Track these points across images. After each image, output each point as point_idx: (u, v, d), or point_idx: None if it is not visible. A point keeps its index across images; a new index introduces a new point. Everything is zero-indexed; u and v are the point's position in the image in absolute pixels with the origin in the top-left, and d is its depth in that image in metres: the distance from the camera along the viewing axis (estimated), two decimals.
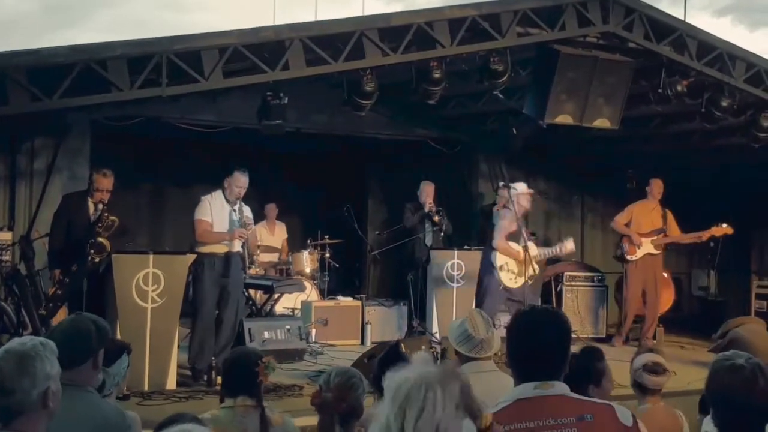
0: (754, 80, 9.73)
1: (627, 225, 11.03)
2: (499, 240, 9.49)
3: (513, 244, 9.52)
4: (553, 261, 12.69)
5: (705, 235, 10.87)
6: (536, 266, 9.53)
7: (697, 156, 12.35)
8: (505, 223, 9.51)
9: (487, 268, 9.53)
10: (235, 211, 8.45)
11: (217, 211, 8.40)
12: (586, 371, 4.20)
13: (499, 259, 9.46)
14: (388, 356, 4.33)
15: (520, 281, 9.51)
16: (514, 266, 9.52)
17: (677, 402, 6.31)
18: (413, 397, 2.59)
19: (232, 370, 4.25)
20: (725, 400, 3.06)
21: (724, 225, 10.76)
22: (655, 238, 10.87)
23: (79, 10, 31.82)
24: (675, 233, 11.02)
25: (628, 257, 10.97)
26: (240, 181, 8.43)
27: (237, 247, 8.46)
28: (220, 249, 8.36)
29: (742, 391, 3.02)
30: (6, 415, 2.74)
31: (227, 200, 8.45)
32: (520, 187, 9.78)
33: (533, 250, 9.59)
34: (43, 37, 29.47)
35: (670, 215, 11.05)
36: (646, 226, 10.96)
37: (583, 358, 4.23)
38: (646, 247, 10.88)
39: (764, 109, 9.95)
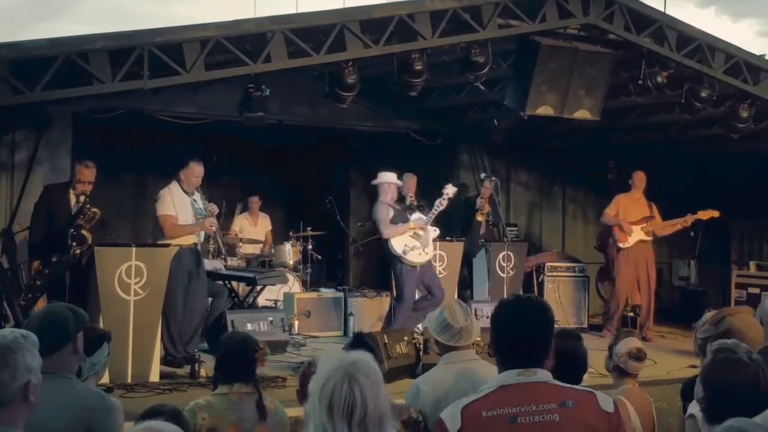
0: (733, 71, 9.80)
1: (615, 216, 11.09)
2: (385, 230, 9.42)
3: (400, 225, 9.46)
4: (535, 251, 12.78)
5: (690, 219, 10.96)
6: (434, 230, 9.63)
7: (677, 147, 12.42)
8: (382, 213, 9.46)
9: (394, 261, 9.49)
10: (195, 201, 8.47)
11: (179, 204, 8.40)
12: (582, 357, 4.27)
13: (397, 245, 9.38)
14: (355, 346, 4.36)
15: (429, 252, 9.51)
16: (414, 242, 9.42)
17: (658, 390, 6.39)
18: (337, 393, 2.58)
19: (229, 357, 4.24)
20: (725, 394, 3.06)
21: (710, 209, 10.86)
22: (645, 224, 10.95)
23: (61, 1, 31.63)
24: (660, 222, 11.09)
25: (621, 245, 10.98)
26: (196, 171, 8.45)
27: (202, 237, 8.59)
28: (188, 240, 8.38)
29: (745, 388, 3.05)
30: None
31: (185, 191, 8.45)
32: (386, 177, 9.65)
33: (422, 218, 9.59)
34: (24, 28, 29.27)
35: (654, 207, 11.14)
36: (635, 215, 11.03)
37: (571, 342, 4.26)
38: (637, 234, 10.94)
39: (743, 99, 10.03)
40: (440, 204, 9.63)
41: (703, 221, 11.10)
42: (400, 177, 9.83)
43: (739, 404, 3.03)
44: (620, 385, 4.66)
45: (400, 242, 9.34)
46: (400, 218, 9.47)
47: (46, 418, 3.15)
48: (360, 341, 4.54)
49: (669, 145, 12.39)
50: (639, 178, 11.11)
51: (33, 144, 10.13)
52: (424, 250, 9.42)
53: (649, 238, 11.06)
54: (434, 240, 9.76)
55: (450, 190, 9.60)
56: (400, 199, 11.15)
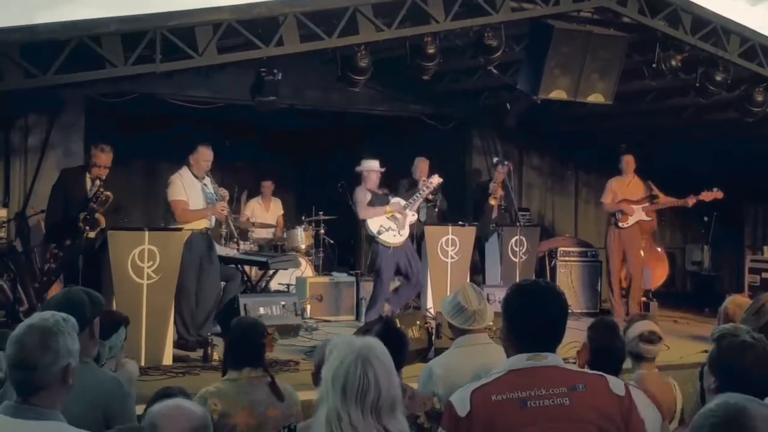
0: (748, 55, 9.73)
1: (613, 200, 11.15)
2: (361, 212, 9.71)
3: (376, 207, 9.71)
4: (547, 236, 12.75)
5: (692, 200, 10.93)
6: (412, 215, 9.89)
7: (691, 131, 12.35)
8: (360, 197, 9.72)
9: (371, 241, 9.76)
10: (206, 185, 8.48)
11: (190, 189, 8.41)
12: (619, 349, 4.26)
13: (373, 225, 9.62)
14: (386, 332, 4.30)
15: (404, 234, 9.75)
16: (389, 223, 9.69)
17: (671, 376, 6.38)
18: (351, 377, 2.58)
19: (238, 343, 4.25)
20: (739, 379, 3.00)
21: (715, 189, 10.78)
22: (648, 204, 10.96)
23: None
24: (663, 198, 11.10)
25: (620, 224, 11.04)
26: (206, 155, 8.46)
27: (213, 222, 8.66)
28: (199, 225, 8.39)
29: (757, 369, 3.01)
30: (26, 389, 2.75)
31: (195, 176, 8.46)
32: (367, 165, 9.87)
33: (400, 202, 9.86)
34: (39, 12, 29.27)
35: (651, 184, 11.11)
36: (635, 195, 11.09)
37: (607, 334, 4.26)
38: (638, 214, 11.00)
39: (758, 83, 9.96)
40: (422, 192, 10.05)
41: (716, 204, 11.04)
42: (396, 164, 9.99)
43: (754, 386, 3.01)
44: (636, 370, 4.58)
45: (375, 223, 9.66)
46: (378, 203, 9.73)
47: (66, 403, 3.16)
48: (391, 327, 4.47)
49: (683, 129, 12.32)
50: (627, 162, 11.16)
51: (46, 128, 10.15)
52: (399, 232, 9.71)
53: (649, 218, 11.10)
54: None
55: (435, 179, 10.02)
56: (413, 183, 11.23)
